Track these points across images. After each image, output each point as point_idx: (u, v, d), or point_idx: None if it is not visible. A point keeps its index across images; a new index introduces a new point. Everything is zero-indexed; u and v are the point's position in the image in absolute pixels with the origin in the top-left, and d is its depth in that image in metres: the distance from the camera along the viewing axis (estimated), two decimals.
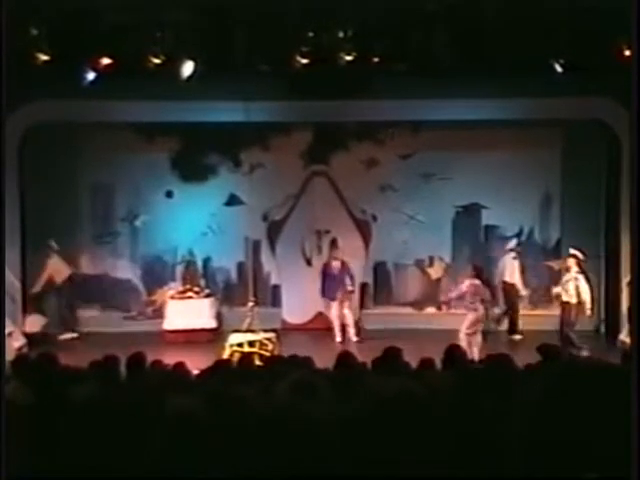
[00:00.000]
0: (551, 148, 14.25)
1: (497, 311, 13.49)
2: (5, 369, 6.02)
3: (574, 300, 11.83)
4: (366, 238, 14.90)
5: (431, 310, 14.33)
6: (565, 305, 11.96)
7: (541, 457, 4.95)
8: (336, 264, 13.70)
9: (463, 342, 11.09)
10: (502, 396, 5.43)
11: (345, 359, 5.88)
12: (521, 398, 5.41)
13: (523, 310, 13.67)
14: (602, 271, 13.82)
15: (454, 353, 6.20)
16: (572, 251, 12.19)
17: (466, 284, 11.78)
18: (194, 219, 14.58)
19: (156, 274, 14.79)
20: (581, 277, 11.93)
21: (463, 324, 11.51)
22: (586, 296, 11.85)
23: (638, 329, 5.52)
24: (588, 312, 11.93)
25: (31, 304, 13.76)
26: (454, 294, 12.14)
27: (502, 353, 7.74)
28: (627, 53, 9.13)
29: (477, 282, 11.76)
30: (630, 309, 9.58)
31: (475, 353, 11.02)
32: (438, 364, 6.75)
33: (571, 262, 12.04)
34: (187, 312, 13.70)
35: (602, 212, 13.86)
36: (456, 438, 4.97)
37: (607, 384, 5.32)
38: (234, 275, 14.88)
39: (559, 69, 10.49)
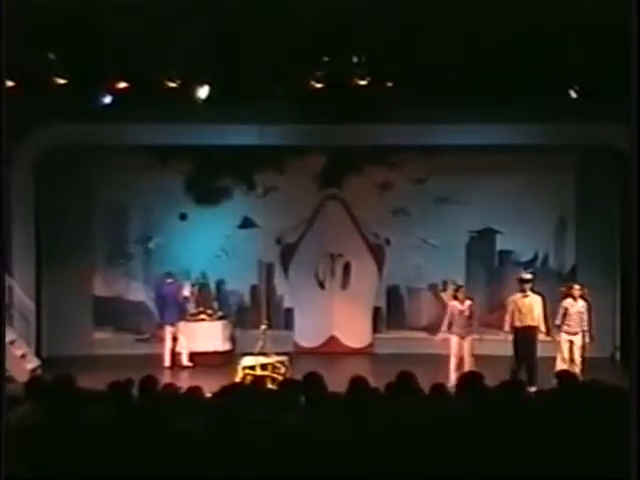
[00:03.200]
0: (565, 173, 14.23)
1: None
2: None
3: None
4: (379, 262, 14.90)
5: (444, 335, 14.26)
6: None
7: None
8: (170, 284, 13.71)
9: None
10: (515, 423, 5.39)
11: (358, 383, 5.85)
12: (535, 424, 5.38)
13: None
14: (617, 297, 13.74)
15: (470, 379, 6.15)
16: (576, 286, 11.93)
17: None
18: (207, 242, 14.61)
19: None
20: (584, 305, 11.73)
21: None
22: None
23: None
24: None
25: None
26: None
27: (516, 379, 7.71)
28: None
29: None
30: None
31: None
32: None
33: (577, 292, 11.74)
34: (200, 335, 13.69)
35: (617, 237, 13.80)
36: (467, 464, 4.94)
37: (620, 410, 5.28)
38: (247, 298, 14.88)
39: (573, 95, 10.50)
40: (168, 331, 13.47)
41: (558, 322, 11.54)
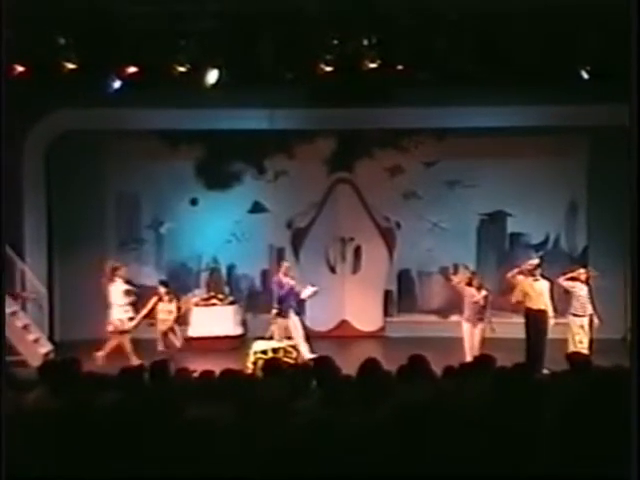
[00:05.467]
0: (577, 155, 14.16)
1: None
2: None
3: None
4: (390, 246, 14.88)
5: (456, 318, 14.24)
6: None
7: (565, 462, 4.92)
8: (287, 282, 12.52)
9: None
10: (527, 405, 5.39)
11: (370, 366, 5.85)
12: (547, 406, 5.38)
13: None
14: (629, 278, 13.68)
15: (482, 363, 6.15)
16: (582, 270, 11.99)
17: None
18: (218, 226, 14.62)
19: (180, 281, 14.85)
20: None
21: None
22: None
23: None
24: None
25: None
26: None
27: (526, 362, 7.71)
28: None
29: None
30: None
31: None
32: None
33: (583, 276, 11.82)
34: (211, 319, 13.74)
35: (628, 219, 13.72)
36: (480, 446, 4.94)
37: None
38: (258, 282, 14.90)
39: (585, 76, 10.43)
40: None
41: (573, 308, 11.60)
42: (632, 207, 5.63)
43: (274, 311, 12.58)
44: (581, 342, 11.40)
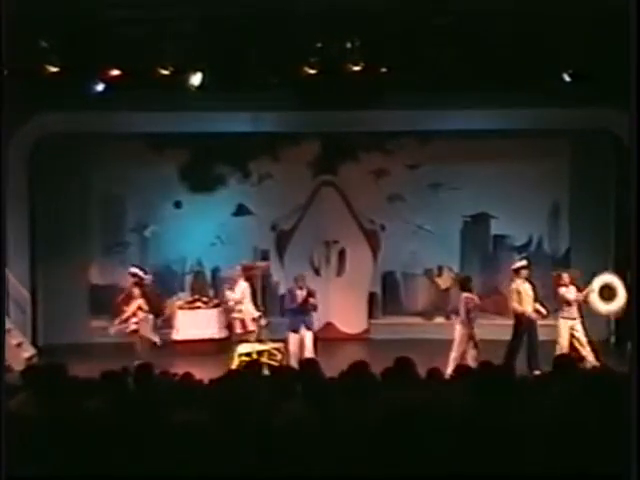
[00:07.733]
0: (560, 158, 14.25)
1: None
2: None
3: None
4: (375, 248, 14.92)
5: (440, 320, 14.30)
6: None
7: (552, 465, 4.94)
8: (301, 293, 11.59)
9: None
10: (514, 406, 5.41)
11: (357, 369, 5.85)
12: (531, 408, 5.40)
13: None
14: None
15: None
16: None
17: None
18: (203, 229, 14.61)
19: (165, 284, 14.81)
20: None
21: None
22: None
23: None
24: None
25: None
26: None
27: (511, 364, 7.74)
28: None
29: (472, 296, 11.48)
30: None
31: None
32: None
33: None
34: (196, 322, 13.71)
35: (611, 221, 13.83)
36: (466, 449, 4.96)
37: (616, 392, 5.31)
38: None
39: (567, 79, 10.49)
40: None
41: (562, 311, 11.49)
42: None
43: (258, 313, 12.56)
44: (581, 345, 11.23)
